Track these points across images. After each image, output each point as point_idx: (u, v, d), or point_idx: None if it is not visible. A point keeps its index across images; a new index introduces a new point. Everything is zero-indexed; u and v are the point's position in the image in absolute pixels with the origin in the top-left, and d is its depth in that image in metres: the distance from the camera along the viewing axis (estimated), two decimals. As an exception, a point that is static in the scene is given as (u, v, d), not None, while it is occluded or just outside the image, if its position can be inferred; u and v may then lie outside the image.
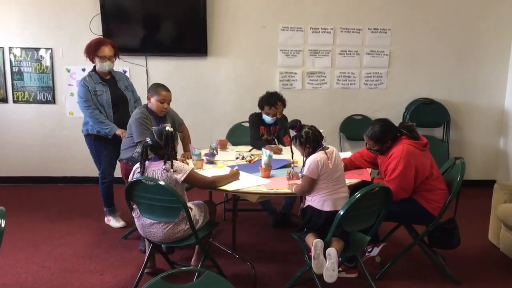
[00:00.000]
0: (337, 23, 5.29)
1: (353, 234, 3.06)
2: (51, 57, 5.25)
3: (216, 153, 3.83)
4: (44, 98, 5.34)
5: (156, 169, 2.93)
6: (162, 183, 2.81)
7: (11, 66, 5.26)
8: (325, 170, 2.87)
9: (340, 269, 3.21)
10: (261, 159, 3.47)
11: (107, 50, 3.95)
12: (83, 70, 5.26)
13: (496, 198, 3.90)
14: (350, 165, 3.51)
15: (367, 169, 3.57)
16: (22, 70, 5.27)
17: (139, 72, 5.21)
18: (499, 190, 3.87)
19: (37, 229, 4.23)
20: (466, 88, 5.49)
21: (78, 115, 5.33)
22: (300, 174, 3.12)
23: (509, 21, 5.33)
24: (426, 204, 3.22)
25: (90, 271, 3.47)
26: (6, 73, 5.27)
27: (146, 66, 5.24)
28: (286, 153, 4.03)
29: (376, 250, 3.50)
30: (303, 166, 2.96)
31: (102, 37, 4.00)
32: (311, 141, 2.91)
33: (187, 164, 3.20)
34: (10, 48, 5.23)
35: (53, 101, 5.35)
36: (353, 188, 3.08)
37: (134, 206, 3.03)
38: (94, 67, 4.05)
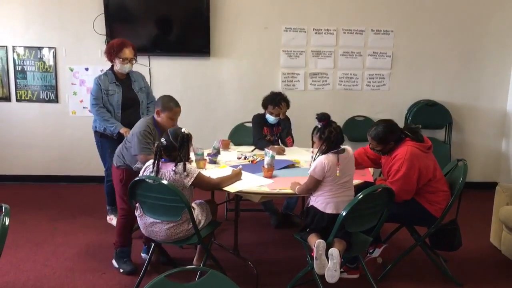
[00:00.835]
0: (340, 24, 5.30)
1: (355, 235, 3.06)
2: (54, 56, 5.26)
3: (218, 153, 3.84)
4: (47, 97, 5.35)
5: (165, 171, 2.93)
6: (165, 182, 2.82)
7: (15, 65, 5.27)
8: (331, 173, 2.85)
9: (342, 269, 3.21)
10: (263, 159, 3.48)
11: (128, 52, 3.96)
12: (86, 69, 5.28)
13: (498, 200, 3.91)
14: None
15: (370, 169, 3.57)
16: (25, 69, 5.29)
17: (142, 72, 5.19)
18: (501, 192, 3.87)
19: (39, 228, 4.24)
20: (468, 90, 5.49)
21: (80, 114, 5.38)
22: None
23: (512, 23, 5.34)
24: (428, 206, 3.23)
25: (92, 270, 3.48)
26: (10, 72, 5.29)
27: (149, 66, 5.25)
28: (289, 154, 4.04)
29: (377, 251, 3.50)
30: (312, 160, 2.94)
31: (123, 39, 4.03)
32: (330, 141, 2.87)
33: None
34: (13, 47, 5.24)
35: (56, 100, 5.36)
36: (355, 189, 3.08)
37: (137, 205, 3.03)
38: (112, 66, 4.07)
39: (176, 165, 2.91)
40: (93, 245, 3.91)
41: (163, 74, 5.26)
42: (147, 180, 2.90)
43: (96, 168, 5.30)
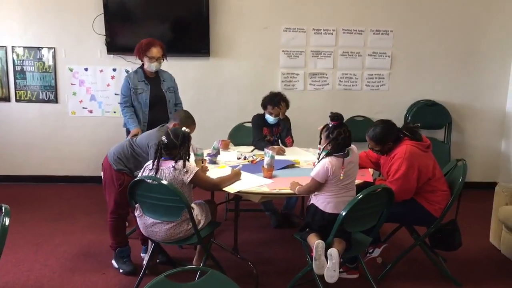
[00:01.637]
0: (339, 24, 5.30)
1: (355, 235, 3.07)
2: (54, 56, 5.26)
3: (218, 153, 3.84)
4: (46, 97, 5.35)
5: (165, 168, 2.94)
6: (165, 182, 2.82)
7: (14, 65, 5.27)
8: (334, 176, 2.84)
9: (341, 269, 3.22)
10: (263, 160, 3.48)
11: (155, 51, 4.01)
12: (86, 69, 5.28)
13: (498, 200, 3.91)
14: None
15: (369, 169, 3.58)
16: (24, 69, 5.28)
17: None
18: (500, 192, 3.88)
19: (39, 228, 4.24)
20: (468, 90, 5.50)
21: (80, 114, 5.38)
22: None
23: (511, 24, 5.34)
24: (428, 206, 3.23)
25: (92, 270, 3.48)
26: (9, 72, 5.28)
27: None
28: (289, 154, 4.05)
29: (377, 251, 3.50)
30: (318, 158, 2.94)
31: (152, 38, 4.08)
32: (336, 142, 2.84)
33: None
34: (13, 47, 5.24)
35: (55, 100, 5.36)
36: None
37: (137, 205, 3.03)
38: (143, 64, 4.12)
39: (176, 162, 2.92)
40: (93, 245, 3.91)
41: (162, 74, 5.26)
42: (146, 180, 2.90)
43: (96, 168, 5.30)
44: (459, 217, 3.37)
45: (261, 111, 4.36)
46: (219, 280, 1.77)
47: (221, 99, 5.42)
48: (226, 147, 4.24)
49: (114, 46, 5.14)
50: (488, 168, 5.64)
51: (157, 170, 2.94)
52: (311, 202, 3.00)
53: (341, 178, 2.83)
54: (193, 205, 3.10)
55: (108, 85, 5.33)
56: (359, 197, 2.74)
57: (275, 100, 4.23)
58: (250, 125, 4.50)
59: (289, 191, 3.08)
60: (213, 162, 3.75)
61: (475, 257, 3.80)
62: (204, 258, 3.16)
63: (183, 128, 3.05)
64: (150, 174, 2.96)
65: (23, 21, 5.19)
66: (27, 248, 3.82)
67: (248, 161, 3.80)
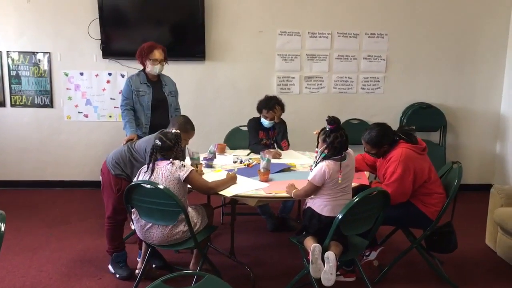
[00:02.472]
0: (335, 28, 5.32)
1: (351, 238, 3.07)
2: (49, 61, 5.25)
3: (214, 157, 3.84)
4: (42, 102, 5.34)
5: (161, 166, 2.96)
6: (161, 186, 2.82)
7: (9, 70, 5.26)
8: (331, 180, 2.84)
9: (338, 272, 3.23)
10: (259, 163, 3.48)
11: (157, 54, 4.03)
12: (81, 74, 5.28)
13: (493, 202, 3.93)
14: None
15: (365, 172, 3.58)
16: (20, 74, 5.27)
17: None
18: (495, 194, 3.89)
19: (35, 234, 4.22)
20: (462, 93, 5.53)
21: (75, 119, 5.37)
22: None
23: (505, 26, 5.38)
24: (424, 208, 3.24)
25: (88, 275, 3.47)
26: (4, 77, 5.27)
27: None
28: (285, 157, 4.05)
29: (374, 254, 3.51)
30: (315, 162, 2.94)
31: (153, 42, 4.08)
32: (333, 146, 2.84)
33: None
34: (8, 52, 5.22)
35: (50, 105, 5.35)
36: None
37: (133, 209, 3.03)
38: (144, 68, 4.13)
39: (172, 160, 2.97)
40: (88, 250, 3.89)
41: (158, 79, 5.26)
42: (143, 184, 2.89)
43: (91, 173, 5.30)
44: (455, 219, 3.38)
45: (257, 114, 4.37)
46: (216, 284, 1.77)
47: (217, 103, 5.42)
48: (222, 151, 4.24)
49: (110, 50, 5.15)
50: (483, 170, 5.67)
51: (152, 171, 2.95)
52: (308, 205, 3.00)
53: (339, 181, 2.84)
54: (189, 208, 3.10)
55: (104, 89, 5.32)
56: (356, 200, 2.74)
57: (270, 104, 4.24)
58: (246, 128, 4.51)
59: (285, 194, 3.08)
60: (210, 166, 3.75)
61: (471, 259, 3.81)
62: (200, 262, 3.16)
63: (173, 131, 3.10)
64: (145, 176, 2.97)
65: (18, 25, 5.18)
66: (22, 253, 3.81)
67: (244, 165, 3.81)
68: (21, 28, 5.18)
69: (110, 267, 3.52)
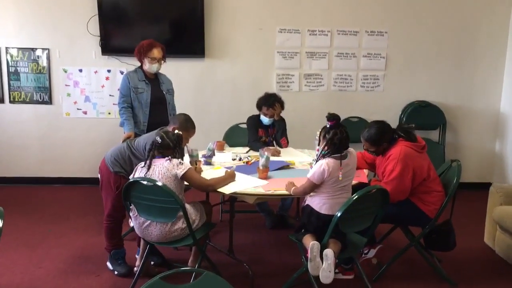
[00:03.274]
0: (334, 25, 5.31)
1: (350, 236, 3.07)
2: (48, 58, 5.24)
3: (213, 154, 3.84)
4: (40, 99, 5.33)
5: (158, 164, 2.96)
6: (160, 183, 2.82)
7: (8, 66, 5.24)
8: (331, 178, 2.83)
9: (336, 270, 3.22)
10: (258, 160, 3.48)
11: (156, 52, 3.99)
12: (80, 70, 5.27)
13: (492, 200, 3.93)
14: None
15: (364, 170, 3.58)
16: (18, 71, 5.26)
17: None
18: (494, 193, 3.89)
19: (33, 230, 4.22)
20: (462, 91, 5.52)
21: (74, 115, 5.36)
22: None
23: (505, 24, 5.37)
24: (423, 206, 3.24)
25: (87, 272, 3.47)
26: (3, 73, 5.26)
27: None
28: (284, 155, 4.05)
29: (372, 252, 3.51)
30: (316, 160, 2.94)
31: (152, 40, 4.07)
32: (332, 143, 2.83)
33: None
34: (6, 48, 5.21)
35: (49, 101, 5.34)
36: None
37: (131, 206, 3.03)
38: (141, 65, 4.11)
39: (170, 158, 2.97)
40: (87, 247, 3.89)
41: (157, 75, 5.25)
42: (141, 181, 2.89)
43: (90, 169, 5.29)
44: (453, 217, 3.38)
45: (257, 112, 4.37)
46: (214, 282, 1.76)
47: (216, 100, 5.42)
48: (221, 148, 4.24)
49: (109, 47, 5.13)
50: (482, 168, 5.67)
51: (149, 167, 2.96)
52: (307, 203, 3.00)
53: (340, 179, 2.83)
54: (187, 205, 3.09)
55: (103, 86, 5.31)
56: (354, 198, 2.74)
57: (270, 101, 4.23)
58: (245, 126, 4.50)
59: (284, 192, 3.08)
60: (208, 163, 3.75)
61: (470, 257, 3.81)
62: (199, 259, 3.16)
63: (176, 131, 3.11)
64: (142, 172, 2.97)
65: (17, 22, 5.16)
66: (21, 250, 3.80)
67: (243, 162, 3.80)
68: (20, 24, 5.17)
69: (108, 264, 3.51)
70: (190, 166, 3.04)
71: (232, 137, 4.71)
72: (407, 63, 5.44)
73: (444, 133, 5.50)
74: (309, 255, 2.77)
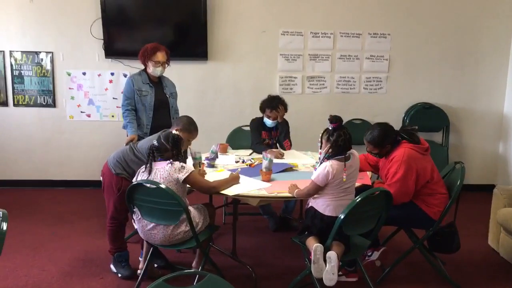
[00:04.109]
0: (337, 27, 5.32)
1: (354, 238, 3.06)
2: (52, 61, 5.26)
3: (216, 157, 3.84)
4: (44, 102, 5.35)
5: (160, 168, 2.95)
6: (163, 186, 2.82)
7: (12, 70, 5.27)
8: (335, 179, 2.83)
9: (340, 273, 3.22)
10: (261, 163, 3.48)
11: (160, 56, 4.00)
12: (84, 74, 5.28)
13: (496, 202, 3.91)
14: None
15: (367, 172, 3.57)
16: (22, 74, 5.28)
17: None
18: (498, 195, 3.88)
19: (37, 233, 4.23)
20: (465, 93, 5.51)
21: (78, 118, 5.38)
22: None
23: (508, 26, 5.36)
24: (426, 208, 3.23)
25: (90, 275, 3.47)
26: (7, 77, 5.28)
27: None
28: (287, 157, 4.05)
29: (376, 254, 3.49)
30: (319, 161, 2.93)
31: (157, 43, 4.09)
32: (337, 145, 2.83)
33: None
34: (10, 52, 5.24)
35: (53, 104, 5.36)
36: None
37: (135, 209, 3.03)
38: (145, 68, 4.12)
39: (171, 161, 2.96)
40: (91, 249, 3.90)
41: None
42: (145, 184, 2.89)
43: (94, 172, 5.29)
44: (457, 219, 3.37)
45: (260, 114, 4.37)
46: (217, 284, 1.76)
47: (219, 103, 5.42)
48: (224, 151, 4.24)
49: (112, 50, 5.15)
50: (486, 170, 5.65)
51: (150, 171, 2.96)
52: (310, 205, 3.00)
53: (344, 180, 2.83)
54: (190, 208, 3.09)
55: (106, 89, 5.33)
56: (358, 200, 2.74)
57: (273, 104, 4.23)
58: (248, 128, 4.50)
59: (287, 194, 3.07)
60: (212, 166, 3.75)
61: (474, 259, 3.80)
62: (202, 262, 3.16)
63: (173, 131, 3.09)
64: (143, 176, 2.97)
65: (21, 25, 5.19)
66: (24, 253, 3.81)
67: (247, 165, 3.80)
68: (24, 28, 5.19)
69: (112, 266, 3.52)
70: (193, 169, 3.04)
71: (235, 140, 4.71)
72: (410, 65, 5.43)
73: (447, 135, 5.49)
74: (312, 257, 2.76)
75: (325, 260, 2.75)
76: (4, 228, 2.20)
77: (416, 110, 5.39)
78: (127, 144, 3.63)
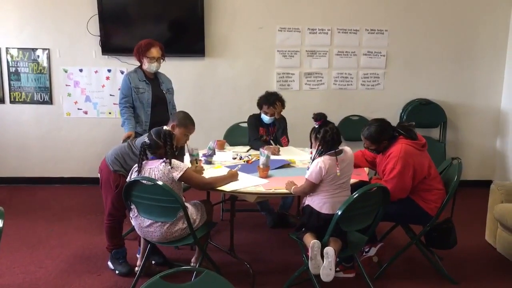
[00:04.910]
0: (334, 24, 5.31)
1: (351, 234, 3.07)
2: (48, 58, 5.24)
3: (214, 153, 3.84)
4: (41, 99, 5.33)
5: (153, 167, 2.94)
6: (160, 183, 2.82)
7: (8, 67, 5.25)
8: (329, 175, 2.84)
9: (338, 269, 3.23)
10: (259, 159, 3.48)
11: (155, 52, 3.98)
12: (81, 70, 5.27)
13: (493, 198, 3.92)
14: None
15: (365, 168, 3.58)
16: (19, 71, 5.26)
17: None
18: (495, 191, 3.89)
19: (34, 230, 4.22)
20: (462, 89, 5.51)
21: (75, 115, 5.36)
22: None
23: (505, 22, 5.36)
24: (424, 204, 3.24)
25: (88, 272, 3.47)
26: (3, 74, 5.26)
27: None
28: (284, 154, 4.05)
29: (373, 250, 3.50)
30: (311, 160, 2.94)
31: (151, 39, 4.06)
32: (325, 141, 2.86)
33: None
34: (7, 49, 5.21)
35: (50, 101, 5.34)
36: (351, 188, 3.08)
37: (132, 206, 3.03)
38: (141, 65, 4.10)
39: (165, 160, 2.94)
40: (88, 246, 3.89)
41: (157, 75, 5.25)
42: (142, 181, 2.89)
43: (91, 169, 5.29)
44: (454, 215, 3.38)
45: (257, 111, 4.37)
46: (214, 281, 1.76)
47: (217, 99, 5.42)
48: (221, 147, 4.24)
49: (109, 47, 5.14)
50: (483, 166, 5.66)
51: (140, 171, 2.95)
52: (306, 203, 3.00)
53: (338, 174, 2.83)
54: (187, 204, 3.09)
55: (103, 86, 5.31)
56: (355, 196, 2.74)
57: (271, 100, 4.23)
58: (245, 125, 4.50)
59: (284, 190, 3.07)
60: (209, 163, 3.75)
61: (471, 255, 3.81)
62: (200, 258, 3.16)
63: (164, 127, 3.07)
64: (136, 175, 2.96)
65: (17, 22, 5.16)
66: (22, 250, 3.81)
67: (244, 161, 3.80)
68: (20, 25, 5.17)
69: (109, 263, 3.52)
70: (187, 167, 3.02)
71: (233, 136, 4.71)
72: (408, 61, 5.43)
73: (444, 131, 5.49)
74: (310, 253, 2.77)
75: (322, 256, 2.76)
76: (1, 225, 2.19)
77: (413, 106, 5.39)
78: (124, 141, 3.63)
